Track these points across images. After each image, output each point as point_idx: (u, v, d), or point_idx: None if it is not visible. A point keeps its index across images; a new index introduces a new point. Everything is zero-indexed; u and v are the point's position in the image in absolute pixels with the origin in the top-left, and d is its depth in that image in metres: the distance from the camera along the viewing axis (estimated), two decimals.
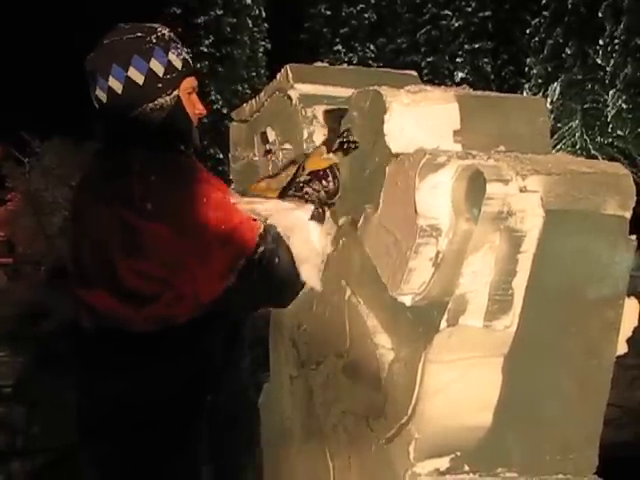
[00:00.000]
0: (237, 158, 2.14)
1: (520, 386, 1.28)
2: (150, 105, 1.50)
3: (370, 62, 25.99)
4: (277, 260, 1.45)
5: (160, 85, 1.50)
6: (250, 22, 24.39)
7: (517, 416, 1.29)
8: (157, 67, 1.49)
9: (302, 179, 1.58)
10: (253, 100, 2.03)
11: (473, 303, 1.24)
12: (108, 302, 1.40)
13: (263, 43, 25.72)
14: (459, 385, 1.25)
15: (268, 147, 1.91)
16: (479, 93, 1.51)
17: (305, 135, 1.71)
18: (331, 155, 1.57)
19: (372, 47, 28.11)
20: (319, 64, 1.93)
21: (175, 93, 1.54)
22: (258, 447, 1.73)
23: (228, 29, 23.40)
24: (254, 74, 24.34)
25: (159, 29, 1.52)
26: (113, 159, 1.46)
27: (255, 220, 1.46)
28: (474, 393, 1.27)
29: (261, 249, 1.44)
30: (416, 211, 1.27)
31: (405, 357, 1.32)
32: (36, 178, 17.14)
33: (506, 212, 1.19)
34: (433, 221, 1.27)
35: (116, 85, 1.47)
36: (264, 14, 25.53)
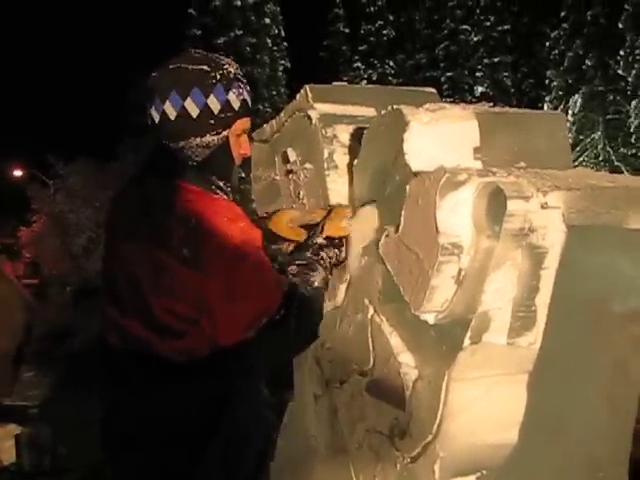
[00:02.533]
0: (259, 178, 2.14)
1: (546, 403, 1.28)
2: (197, 140, 1.49)
3: (390, 78, 25.99)
4: (297, 325, 1.46)
5: (212, 122, 1.48)
6: (270, 41, 24.54)
7: (543, 433, 1.29)
8: (214, 104, 1.48)
9: (319, 241, 1.61)
10: (274, 120, 2.02)
11: (496, 320, 1.23)
12: (139, 330, 1.42)
13: (283, 62, 25.84)
14: (484, 403, 1.25)
15: (289, 167, 1.91)
16: (498, 110, 1.51)
17: (326, 155, 1.72)
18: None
19: (391, 63, 28.13)
20: (338, 83, 1.94)
21: (224, 133, 1.52)
22: (271, 462, 1.72)
23: (248, 49, 23.54)
24: (274, 93, 24.45)
25: (226, 66, 1.50)
26: (152, 189, 1.45)
27: (282, 278, 1.46)
28: (499, 411, 1.26)
29: (284, 311, 1.44)
30: (437, 229, 1.25)
31: (429, 375, 1.32)
32: (61, 200, 17.37)
33: (527, 228, 1.18)
34: (454, 239, 1.26)
35: (170, 111, 1.46)
36: (283, 33, 25.67)
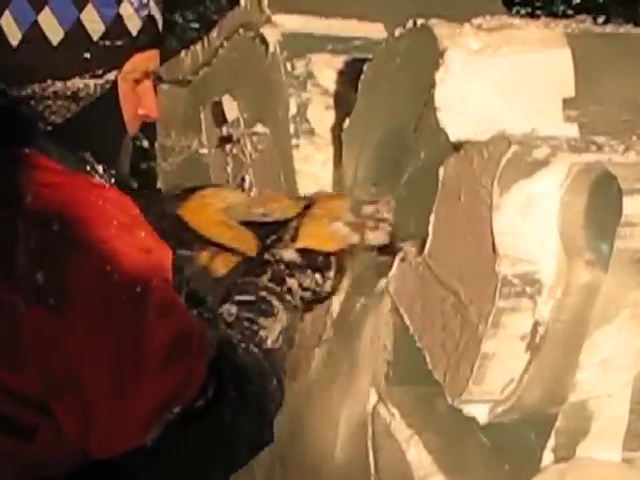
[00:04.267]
0: (171, 150, 1.99)
1: None
2: (58, 86, 1.29)
3: None
4: (234, 421, 1.22)
5: (87, 55, 1.28)
6: None
7: None
8: (92, 22, 1.27)
9: (287, 257, 1.38)
10: (198, 46, 1.88)
11: (603, 420, 1.14)
12: None
13: None
14: None
15: (226, 131, 1.74)
16: (609, 30, 1.40)
17: (293, 110, 1.57)
18: (350, 232, 1.36)
19: None
20: None
21: (109, 77, 1.30)
22: None
23: None
24: None
25: None
26: None
27: (207, 333, 1.23)
28: None
29: (211, 396, 1.19)
30: (495, 248, 1.14)
31: None
32: None
33: None
34: (527, 267, 1.15)
35: (11, 30, 1.25)
36: None
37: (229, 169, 1.78)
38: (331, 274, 1.37)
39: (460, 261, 1.24)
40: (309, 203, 1.46)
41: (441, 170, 1.27)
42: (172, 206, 1.51)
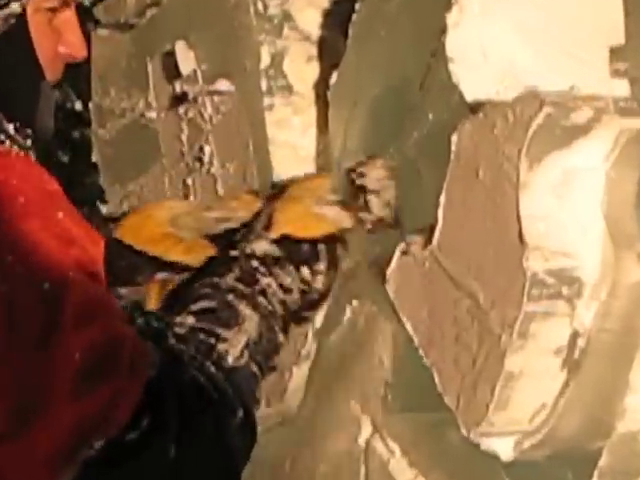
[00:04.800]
0: (108, 113, 1.91)
1: None
2: None
3: None
4: (180, 463, 1.09)
5: None
6: None
7: None
8: None
9: (260, 249, 1.26)
10: None
11: None
12: None
13: None
14: None
15: (180, 88, 1.64)
16: None
17: (265, 60, 1.48)
18: (341, 213, 1.28)
19: None
20: None
21: (15, 6, 1.20)
22: None
23: None
24: None
25: None
26: None
27: (143, 344, 1.11)
28: None
29: (147, 427, 1.07)
30: (522, 238, 1.06)
31: None
32: None
33: None
34: (563, 261, 1.07)
35: None
36: None
37: (184, 137, 1.67)
38: (321, 267, 1.25)
39: (478, 254, 1.15)
40: (280, 190, 1.36)
41: (454, 138, 1.17)
42: (106, 231, 1.37)
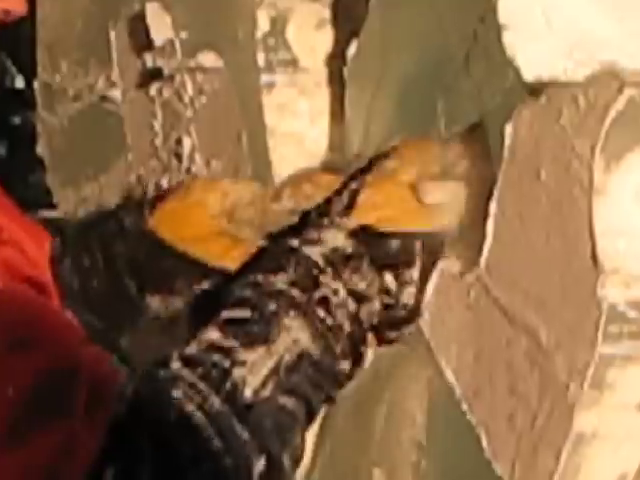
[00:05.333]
0: (59, 93, 1.83)
1: None
2: None
3: None
4: None
5: None
6: None
7: None
8: None
9: (332, 241, 1.12)
10: None
11: None
12: None
13: None
14: None
15: (152, 62, 1.53)
16: None
17: (264, 27, 1.36)
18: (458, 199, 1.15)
19: None
20: None
21: None
22: None
23: None
24: None
25: None
26: None
27: (115, 368, 1.03)
28: None
29: (109, 478, 0.94)
30: (595, 258, 0.94)
31: None
32: None
33: None
34: None
35: None
36: None
37: (157, 125, 1.53)
38: (414, 274, 1.11)
39: (538, 280, 1.00)
40: (375, 160, 1.20)
41: (508, 129, 1.02)
42: (134, 218, 1.26)
